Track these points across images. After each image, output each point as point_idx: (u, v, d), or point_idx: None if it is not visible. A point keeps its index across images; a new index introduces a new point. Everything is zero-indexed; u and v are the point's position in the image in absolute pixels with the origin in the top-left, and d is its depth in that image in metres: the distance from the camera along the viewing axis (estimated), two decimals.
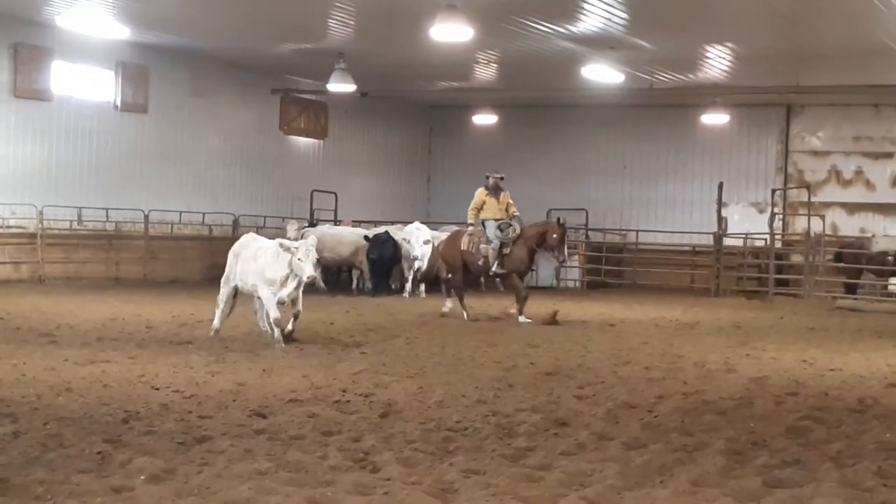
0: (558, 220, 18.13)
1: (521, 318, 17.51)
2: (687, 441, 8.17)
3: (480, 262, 17.93)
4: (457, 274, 18.36)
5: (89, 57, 23.00)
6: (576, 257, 28.93)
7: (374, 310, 18.80)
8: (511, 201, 18.19)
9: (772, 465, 7.44)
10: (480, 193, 18.21)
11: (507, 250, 17.78)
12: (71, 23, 19.76)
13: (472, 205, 18.21)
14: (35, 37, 21.80)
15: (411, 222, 23.86)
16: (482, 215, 18.05)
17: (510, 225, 17.87)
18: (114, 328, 14.57)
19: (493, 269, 17.85)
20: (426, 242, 22.53)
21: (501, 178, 18.27)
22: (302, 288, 13.36)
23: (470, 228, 18.23)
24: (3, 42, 21.57)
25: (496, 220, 17.92)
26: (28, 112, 22.18)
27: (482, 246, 17.87)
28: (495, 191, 18.15)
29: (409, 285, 23.00)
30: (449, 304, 18.34)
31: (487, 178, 18.39)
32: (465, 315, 17.91)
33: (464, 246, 18.13)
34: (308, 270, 13.02)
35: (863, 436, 8.58)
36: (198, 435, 7.88)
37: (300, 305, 13.59)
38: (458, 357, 12.84)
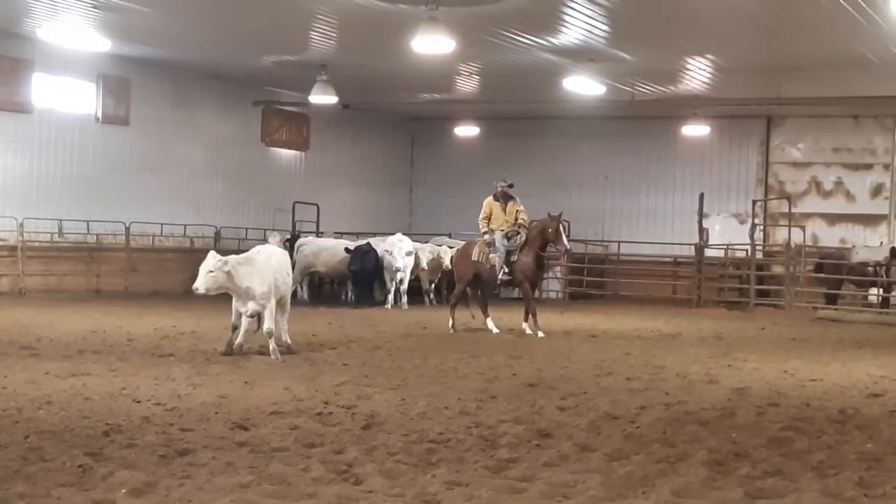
0: (550, 214, 17.98)
1: (539, 334, 17.26)
2: (669, 452, 8.18)
3: (489, 271, 17.88)
4: (463, 284, 18.38)
5: (70, 69, 22.94)
6: (557, 269, 29.01)
7: (357, 322, 18.79)
8: (521, 208, 18.09)
9: (754, 476, 7.46)
10: (488, 202, 18.15)
11: (514, 258, 17.73)
12: (52, 35, 19.71)
13: (481, 215, 18.17)
14: (15, 49, 21.73)
15: (394, 234, 23.84)
16: (491, 225, 18.00)
17: (517, 233, 17.84)
18: (95, 341, 14.51)
19: (500, 276, 17.81)
20: (408, 254, 22.55)
21: (510, 186, 18.16)
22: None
23: (484, 237, 18.07)
24: None
25: (503, 229, 17.89)
26: (9, 124, 22.09)
27: (491, 255, 17.83)
28: (504, 199, 18.06)
29: (391, 297, 23.00)
30: (490, 324, 18.08)
31: (495, 186, 18.30)
32: (450, 324, 17.85)
33: (475, 256, 18.08)
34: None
35: (844, 446, 8.61)
36: (179, 448, 7.85)
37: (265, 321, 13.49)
38: (440, 368, 12.84)
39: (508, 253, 17.76)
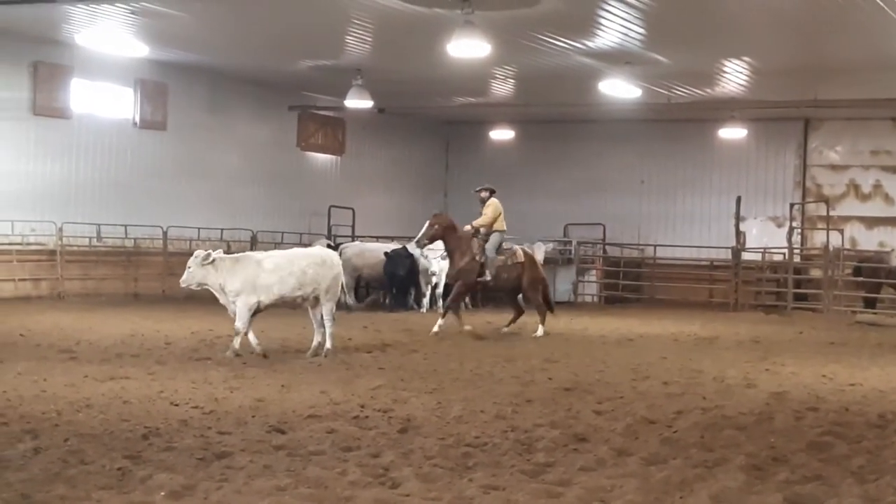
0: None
1: (467, 327, 17.61)
2: (707, 457, 8.14)
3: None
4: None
5: (108, 75, 23.14)
6: (593, 272, 28.95)
7: (392, 325, 18.81)
8: (485, 212, 18.15)
9: (793, 481, 7.41)
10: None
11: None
12: (90, 41, 19.88)
13: None
14: (54, 55, 21.94)
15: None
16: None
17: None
18: (133, 344, 14.61)
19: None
20: (444, 258, 22.55)
21: (489, 192, 18.38)
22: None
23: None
24: (23, 60, 21.72)
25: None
26: (47, 130, 22.30)
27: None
28: (481, 204, 18.36)
29: (426, 300, 23.02)
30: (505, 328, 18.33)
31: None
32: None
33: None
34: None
35: (884, 451, 8.54)
36: (217, 451, 7.89)
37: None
38: (476, 372, 12.83)
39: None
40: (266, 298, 13.79)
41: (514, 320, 18.47)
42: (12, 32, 20.73)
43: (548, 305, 18.57)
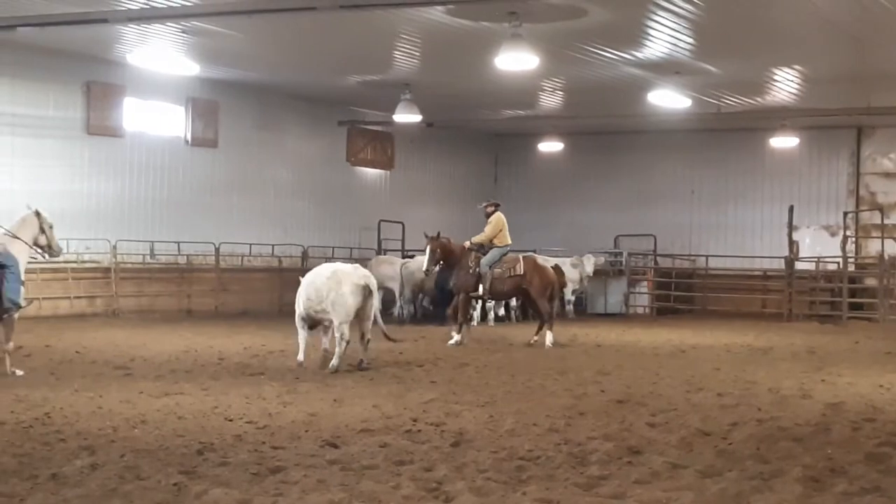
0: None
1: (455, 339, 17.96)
2: (763, 468, 8.06)
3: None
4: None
5: (160, 93, 23.40)
6: (645, 283, 28.82)
7: (443, 339, 18.81)
8: (487, 229, 18.74)
9: (851, 493, 7.32)
10: None
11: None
12: (142, 60, 20.11)
13: None
14: (107, 74, 22.23)
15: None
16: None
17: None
18: (187, 360, 14.73)
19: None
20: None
21: (489, 205, 19.07)
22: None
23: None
24: (76, 80, 22.02)
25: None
26: (101, 148, 22.57)
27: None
28: (487, 218, 18.92)
29: (476, 314, 23.00)
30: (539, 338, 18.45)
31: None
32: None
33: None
34: None
35: None
36: (271, 465, 7.93)
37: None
38: (528, 385, 12.81)
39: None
40: (300, 313, 14.38)
41: (538, 330, 18.51)
42: (65, 52, 21.03)
43: (548, 315, 18.51)
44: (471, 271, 18.34)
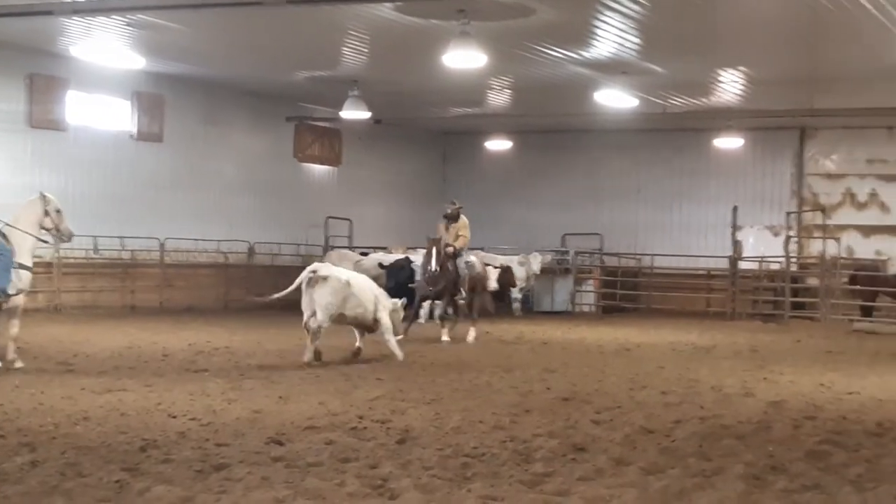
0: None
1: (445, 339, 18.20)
2: (705, 466, 8.13)
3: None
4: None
5: (105, 87, 23.15)
6: (591, 282, 28.97)
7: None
8: (463, 232, 18.67)
9: (791, 490, 7.40)
10: (439, 224, 19.00)
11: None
12: (86, 53, 19.90)
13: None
14: (50, 67, 21.96)
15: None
16: None
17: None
18: (130, 356, 14.60)
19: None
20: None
21: (459, 208, 18.90)
22: None
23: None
24: (19, 72, 21.73)
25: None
26: (44, 142, 22.30)
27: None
28: (450, 220, 18.81)
29: (423, 311, 23.02)
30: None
31: (445, 206, 19.21)
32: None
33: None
34: None
35: (882, 459, 8.53)
36: (215, 463, 7.87)
37: None
38: (474, 383, 12.83)
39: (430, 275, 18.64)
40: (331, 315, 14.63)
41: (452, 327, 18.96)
42: (8, 45, 20.74)
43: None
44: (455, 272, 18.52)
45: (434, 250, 18.35)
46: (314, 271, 14.45)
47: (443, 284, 18.50)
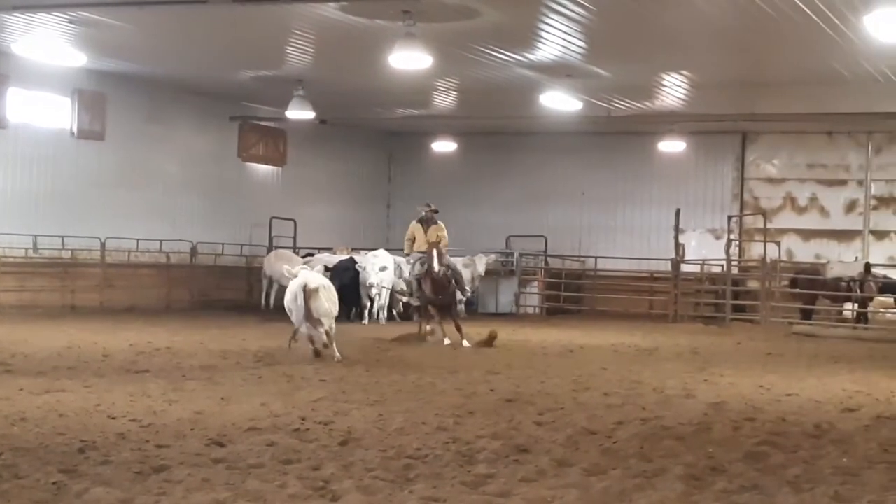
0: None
1: (446, 341, 18.19)
2: (646, 467, 8.19)
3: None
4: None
5: (45, 84, 22.84)
6: (535, 284, 29.07)
7: (342, 337, 18.71)
8: (443, 234, 18.67)
9: (730, 490, 7.47)
10: (412, 226, 18.96)
11: (424, 282, 18.49)
12: (27, 50, 19.63)
13: (406, 236, 19.13)
14: None
15: (374, 249, 24.14)
16: (414, 247, 18.84)
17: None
18: (70, 357, 14.43)
19: (410, 300, 19.10)
20: (382, 269, 22.57)
21: (434, 211, 18.88)
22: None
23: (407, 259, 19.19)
24: None
25: (421, 252, 18.61)
26: None
27: (401, 279, 19.09)
28: (427, 223, 18.79)
29: (366, 312, 23.04)
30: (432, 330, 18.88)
31: (419, 210, 19.15)
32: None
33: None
34: None
35: (820, 460, 8.64)
36: (155, 464, 7.80)
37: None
38: (418, 384, 12.82)
39: (418, 280, 18.59)
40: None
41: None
42: None
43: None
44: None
45: (435, 253, 18.25)
46: (305, 285, 14.83)
47: (452, 288, 18.53)
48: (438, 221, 18.83)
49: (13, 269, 22.47)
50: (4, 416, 9.64)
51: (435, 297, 18.47)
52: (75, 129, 23.94)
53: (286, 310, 15.51)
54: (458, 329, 18.21)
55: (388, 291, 23.02)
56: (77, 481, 7.22)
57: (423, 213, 18.91)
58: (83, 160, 24.18)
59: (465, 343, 17.90)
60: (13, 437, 8.70)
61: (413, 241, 18.89)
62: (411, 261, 19.00)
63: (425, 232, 18.65)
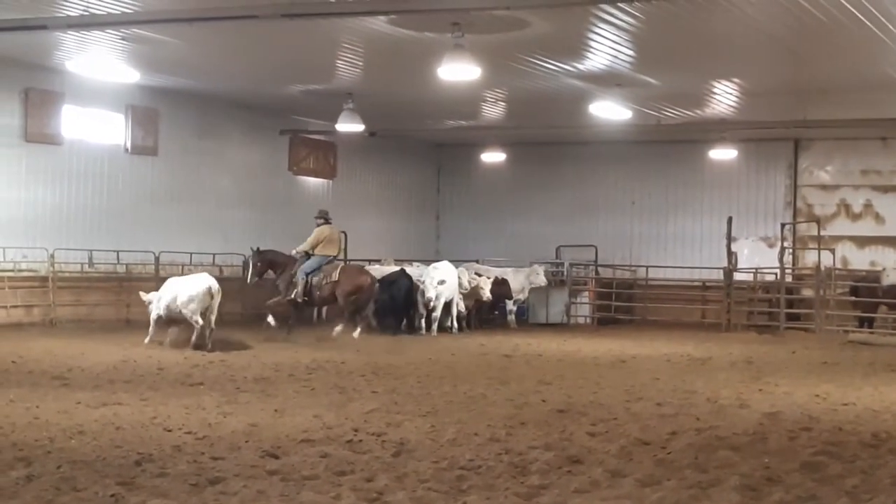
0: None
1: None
2: (701, 478, 8.13)
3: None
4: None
5: (99, 101, 23.13)
6: (586, 294, 28.97)
7: (385, 349, 18.78)
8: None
9: (787, 501, 7.41)
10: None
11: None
12: (81, 67, 19.87)
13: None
14: (46, 81, 21.94)
15: (431, 261, 24.50)
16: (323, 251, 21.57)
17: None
18: (125, 370, 14.58)
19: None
20: (440, 283, 22.67)
21: (324, 219, 21.87)
22: None
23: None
24: (15, 87, 21.71)
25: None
26: (39, 156, 22.27)
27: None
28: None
29: (423, 322, 23.15)
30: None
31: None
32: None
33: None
34: None
35: (878, 470, 8.54)
36: (210, 476, 7.87)
37: None
38: (469, 395, 12.82)
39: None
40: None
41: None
42: (3, 59, 20.73)
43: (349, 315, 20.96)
44: (293, 279, 21.27)
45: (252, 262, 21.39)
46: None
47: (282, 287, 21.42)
48: (319, 228, 21.77)
49: (69, 283, 22.73)
50: (62, 429, 9.77)
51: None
52: (129, 145, 24.21)
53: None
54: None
55: (444, 302, 23.07)
56: (134, 493, 7.29)
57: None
58: (137, 175, 24.44)
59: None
60: (71, 450, 8.81)
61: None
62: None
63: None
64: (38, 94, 22.02)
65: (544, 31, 17.29)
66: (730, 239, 27.05)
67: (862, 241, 29.13)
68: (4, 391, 12.15)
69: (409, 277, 23.02)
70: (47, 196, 22.59)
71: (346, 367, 15.41)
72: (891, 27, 16.31)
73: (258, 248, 22.04)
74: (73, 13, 16.23)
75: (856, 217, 29.35)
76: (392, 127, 27.96)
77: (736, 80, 21.67)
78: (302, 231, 28.29)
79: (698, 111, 25.21)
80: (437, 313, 23.05)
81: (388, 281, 22.91)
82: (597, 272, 30.02)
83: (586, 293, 28.99)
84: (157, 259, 24.22)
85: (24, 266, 21.94)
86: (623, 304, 28.99)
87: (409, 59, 19.48)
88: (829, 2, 14.95)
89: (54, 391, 12.35)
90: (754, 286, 27.88)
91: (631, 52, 18.83)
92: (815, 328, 24.72)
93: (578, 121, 25.45)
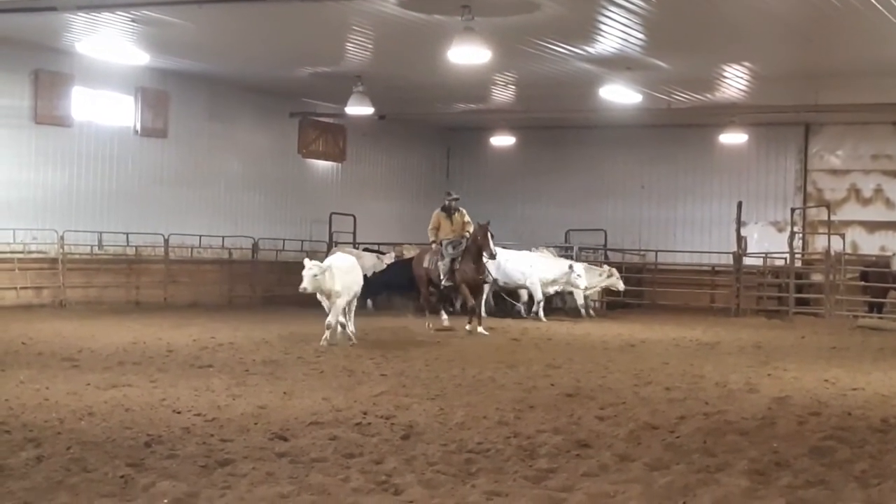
0: (479, 222, 19.49)
1: (480, 330, 18.80)
2: (709, 462, 8.14)
3: (437, 277, 19.53)
4: (424, 288, 20.12)
5: (109, 83, 23.15)
6: None
7: (393, 332, 18.80)
8: (468, 220, 19.77)
9: (796, 486, 7.41)
10: (436, 215, 19.96)
11: (456, 265, 19.30)
12: (91, 49, 19.89)
13: (430, 226, 19.97)
14: (55, 63, 21.96)
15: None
16: (440, 235, 19.67)
17: (460, 242, 19.48)
18: (135, 352, 14.61)
19: (443, 282, 19.42)
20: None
21: (455, 199, 19.94)
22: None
23: (433, 247, 19.82)
24: (24, 69, 21.74)
25: (450, 239, 19.55)
26: (49, 138, 22.31)
27: (439, 263, 19.46)
28: (449, 211, 19.82)
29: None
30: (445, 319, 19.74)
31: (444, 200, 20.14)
32: (428, 326, 19.34)
33: (425, 263, 19.84)
34: None
35: (887, 455, 8.54)
36: (220, 458, 7.89)
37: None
38: (478, 378, 12.83)
39: (452, 260, 19.34)
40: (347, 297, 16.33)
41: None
42: (13, 41, 20.74)
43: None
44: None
45: (490, 236, 19.08)
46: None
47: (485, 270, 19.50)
48: (461, 209, 19.86)
49: (79, 265, 22.80)
50: (72, 410, 9.80)
51: (476, 276, 19.19)
52: (139, 127, 24.24)
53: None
54: (478, 317, 19.20)
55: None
56: (144, 475, 7.32)
57: (446, 202, 19.87)
58: (146, 158, 24.47)
59: (482, 330, 18.71)
60: (81, 432, 8.84)
61: (437, 229, 19.72)
62: (443, 247, 19.55)
63: (450, 220, 19.62)
64: (48, 75, 22.04)
65: (554, 14, 17.24)
66: (739, 223, 26.99)
67: (872, 226, 29.06)
68: (14, 372, 12.20)
69: None
70: (57, 178, 22.63)
71: (355, 351, 15.43)
72: None
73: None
74: None
75: (866, 202, 29.26)
76: (402, 110, 27.93)
77: (746, 63, 21.59)
78: (312, 214, 28.46)
79: (709, 95, 25.14)
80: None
81: (399, 265, 23.01)
82: (606, 256, 29.99)
83: None
84: (166, 241, 24.27)
85: (34, 248, 22.01)
86: (632, 288, 28.91)
87: (419, 41, 19.45)
88: None
89: (64, 373, 12.38)
90: (764, 271, 27.86)
91: (641, 36, 18.76)
92: (825, 313, 24.69)
93: (588, 104, 25.40)
